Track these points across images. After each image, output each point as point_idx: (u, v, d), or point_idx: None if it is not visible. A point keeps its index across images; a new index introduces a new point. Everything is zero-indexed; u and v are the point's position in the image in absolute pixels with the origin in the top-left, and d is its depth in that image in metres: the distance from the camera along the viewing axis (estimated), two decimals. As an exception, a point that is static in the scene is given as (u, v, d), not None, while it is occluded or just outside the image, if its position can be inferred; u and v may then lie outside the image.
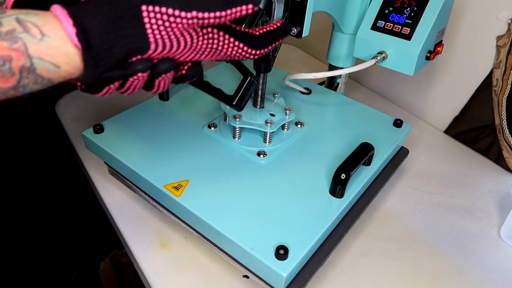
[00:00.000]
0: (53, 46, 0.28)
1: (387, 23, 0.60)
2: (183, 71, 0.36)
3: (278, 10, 0.48)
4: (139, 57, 0.32)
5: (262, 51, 0.39)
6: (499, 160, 0.71)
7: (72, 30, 0.28)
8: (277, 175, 0.51)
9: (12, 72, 0.28)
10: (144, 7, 0.31)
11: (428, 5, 0.57)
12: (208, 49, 0.35)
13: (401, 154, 0.63)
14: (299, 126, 0.60)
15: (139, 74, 0.33)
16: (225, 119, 0.59)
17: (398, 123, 0.62)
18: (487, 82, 0.69)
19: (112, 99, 0.81)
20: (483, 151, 0.74)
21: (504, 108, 0.66)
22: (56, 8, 0.29)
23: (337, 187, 0.48)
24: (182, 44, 0.33)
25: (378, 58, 0.60)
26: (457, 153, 0.74)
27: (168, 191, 0.48)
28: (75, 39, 0.29)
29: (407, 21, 0.59)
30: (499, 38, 0.65)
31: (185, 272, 0.49)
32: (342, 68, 0.67)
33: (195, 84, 0.52)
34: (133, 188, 0.56)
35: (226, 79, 0.70)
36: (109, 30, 0.30)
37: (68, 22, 0.29)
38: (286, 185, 0.50)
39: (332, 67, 0.72)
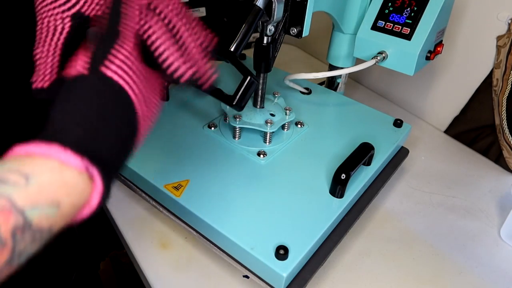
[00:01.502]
0: (44, 183, 0.23)
1: (387, 23, 0.60)
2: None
3: (278, 10, 0.48)
4: None
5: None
6: (499, 160, 0.71)
7: (67, 154, 0.23)
8: (277, 175, 0.51)
9: (2, 241, 0.21)
10: None
11: (428, 5, 0.57)
12: None
13: (401, 154, 0.63)
14: (299, 126, 0.60)
15: None
16: (225, 119, 0.59)
17: (398, 123, 0.62)
18: (487, 82, 0.69)
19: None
20: (483, 151, 0.74)
21: (504, 108, 0.66)
22: (29, 146, 0.24)
23: (337, 187, 0.48)
24: None
25: (378, 58, 0.60)
26: (457, 153, 0.74)
27: (168, 191, 0.48)
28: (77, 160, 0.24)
29: (407, 21, 0.59)
30: (499, 38, 0.65)
31: (185, 272, 0.49)
32: (342, 68, 0.67)
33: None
34: (133, 188, 0.56)
35: (226, 79, 0.70)
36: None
37: (54, 149, 0.23)
38: (286, 185, 0.50)
39: (332, 67, 0.72)
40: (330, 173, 0.49)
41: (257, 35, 0.52)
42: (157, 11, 0.29)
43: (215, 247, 0.48)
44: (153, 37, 0.29)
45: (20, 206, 0.21)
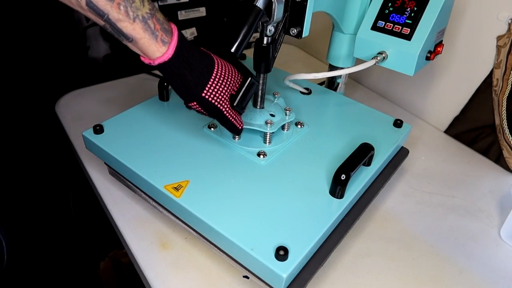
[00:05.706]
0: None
1: (387, 23, 0.60)
2: None
3: (278, 10, 0.48)
4: None
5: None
6: (499, 160, 0.71)
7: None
8: (277, 176, 0.51)
9: None
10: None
11: (428, 5, 0.57)
12: None
13: (401, 154, 0.63)
14: (299, 126, 0.60)
15: None
16: (225, 119, 0.59)
17: (398, 123, 0.62)
18: (487, 82, 0.69)
19: (112, 99, 0.81)
20: (483, 151, 0.74)
21: (504, 108, 0.66)
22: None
23: (337, 187, 0.48)
24: None
25: (378, 58, 0.60)
26: (457, 153, 0.74)
27: (168, 192, 0.48)
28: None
29: (407, 21, 0.58)
30: (499, 38, 0.65)
31: (185, 273, 0.49)
32: (342, 68, 0.67)
33: None
34: (133, 188, 0.56)
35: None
36: None
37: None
38: (286, 185, 0.50)
39: (332, 67, 0.72)
40: (330, 174, 0.49)
41: (257, 35, 0.52)
42: None
43: (215, 248, 0.48)
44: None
45: None
